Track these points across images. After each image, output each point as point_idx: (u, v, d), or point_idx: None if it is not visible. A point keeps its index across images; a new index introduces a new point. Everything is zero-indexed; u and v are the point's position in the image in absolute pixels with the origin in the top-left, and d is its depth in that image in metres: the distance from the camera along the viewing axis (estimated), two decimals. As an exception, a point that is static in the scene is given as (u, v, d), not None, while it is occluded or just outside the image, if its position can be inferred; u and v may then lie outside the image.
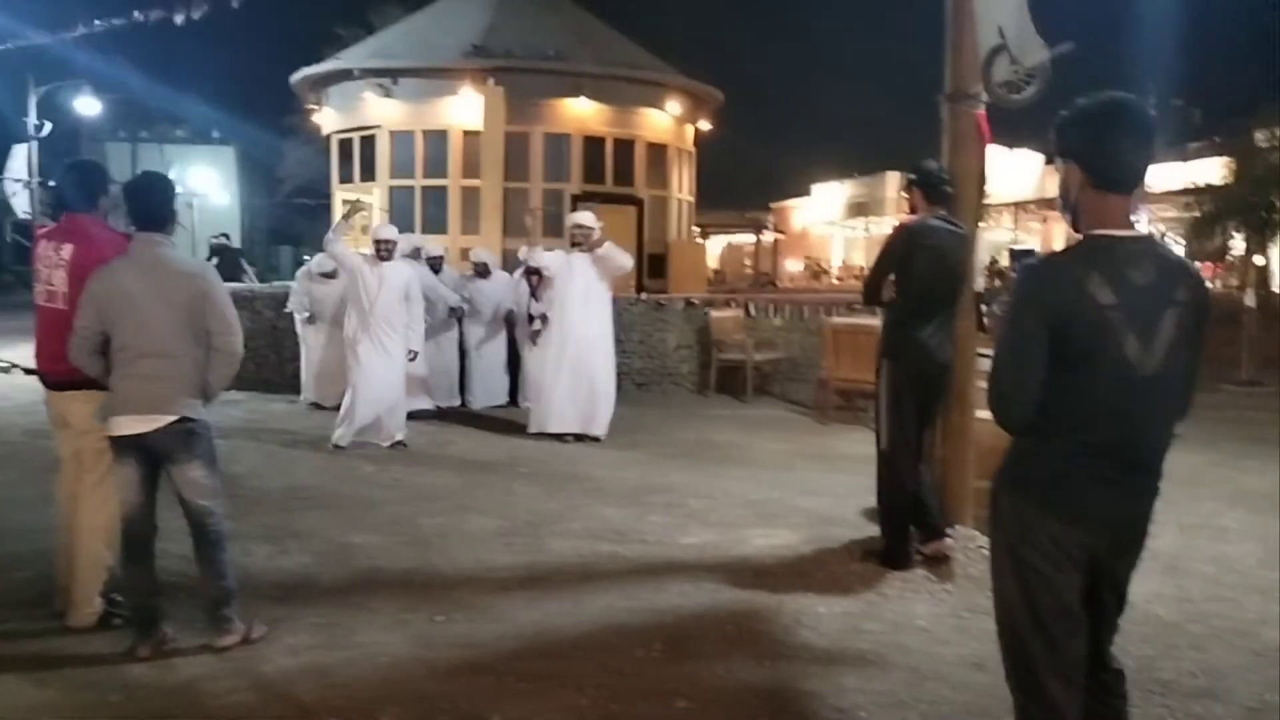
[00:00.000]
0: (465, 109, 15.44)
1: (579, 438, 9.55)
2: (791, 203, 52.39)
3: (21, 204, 21.48)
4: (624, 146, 16.58)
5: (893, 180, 40.71)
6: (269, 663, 4.37)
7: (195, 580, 4.66)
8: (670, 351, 12.86)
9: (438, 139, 15.96)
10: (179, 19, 12.94)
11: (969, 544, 5.73)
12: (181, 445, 4.36)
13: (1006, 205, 36.75)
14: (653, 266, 16.80)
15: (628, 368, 12.47)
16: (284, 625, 4.76)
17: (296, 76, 17.42)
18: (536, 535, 6.40)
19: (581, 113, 15.97)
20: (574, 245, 9.54)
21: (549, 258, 9.56)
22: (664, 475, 8.16)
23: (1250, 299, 14.96)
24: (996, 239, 35.14)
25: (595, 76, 15.92)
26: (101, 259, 4.49)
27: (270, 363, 12.56)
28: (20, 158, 21.57)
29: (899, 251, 5.67)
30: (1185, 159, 31.80)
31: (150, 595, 4.49)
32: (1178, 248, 27.58)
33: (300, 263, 12.68)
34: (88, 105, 25.14)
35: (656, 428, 10.42)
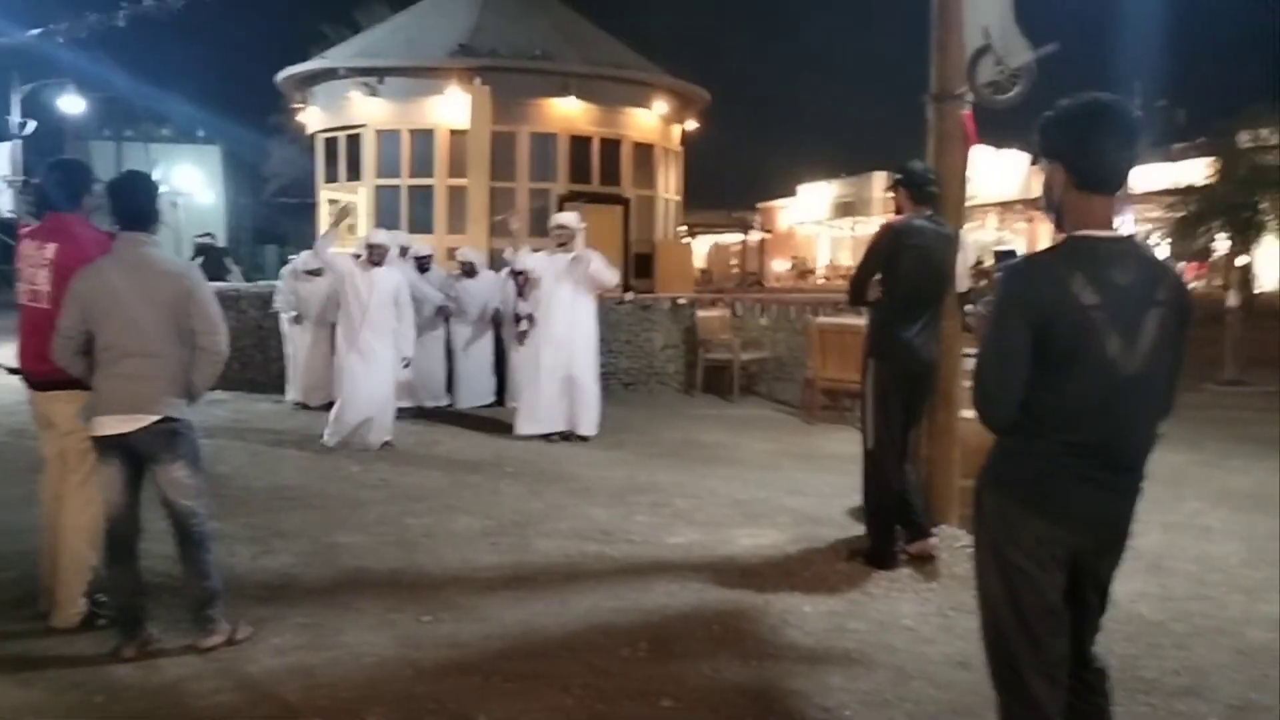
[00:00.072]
0: (451, 108, 15.41)
1: (565, 437, 9.55)
2: (778, 202, 52.49)
3: (4, 203, 21.40)
4: (610, 146, 16.57)
5: (879, 180, 40.84)
6: (254, 663, 4.35)
7: (179, 581, 4.64)
8: (657, 351, 12.85)
9: (424, 138, 15.93)
10: (160, 6, 12.85)
11: (954, 543, 5.76)
12: (165, 445, 4.35)
13: (992, 205, 36.89)
14: (639, 266, 16.80)
15: (614, 367, 12.48)
16: (269, 625, 4.75)
17: (282, 75, 17.36)
18: (523, 535, 6.40)
19: (568, 112, 15.95)
20: (559, 246, 9.53)
21: (533, 260, 9.56)
22: (650, 475, 8.17)
23: (1233, 299, 15.04)
24: (982, 239, 35.27)
25: (582, 76, 15.91)
26: (85, 258, 4.47)
27: (256, 362, 12.52)
28: (4, 156, 21.50)
29: (884, 251, 5.67)
30: (1170, 159, 31.95)
31: (134, 596, 4.47)
32: (1162, 248, 27.74)
33: (285, 262, 12.62)
34: (72, 104, 25.06)
35: (643, 427, 10.42)
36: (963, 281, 6.01)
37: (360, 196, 16.05)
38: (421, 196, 15.85)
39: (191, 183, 46.79)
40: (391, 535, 6.36)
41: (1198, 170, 29.52)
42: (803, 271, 46.21)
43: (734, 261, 48.28)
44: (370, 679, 4.22)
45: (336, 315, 9.97)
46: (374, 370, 9.06)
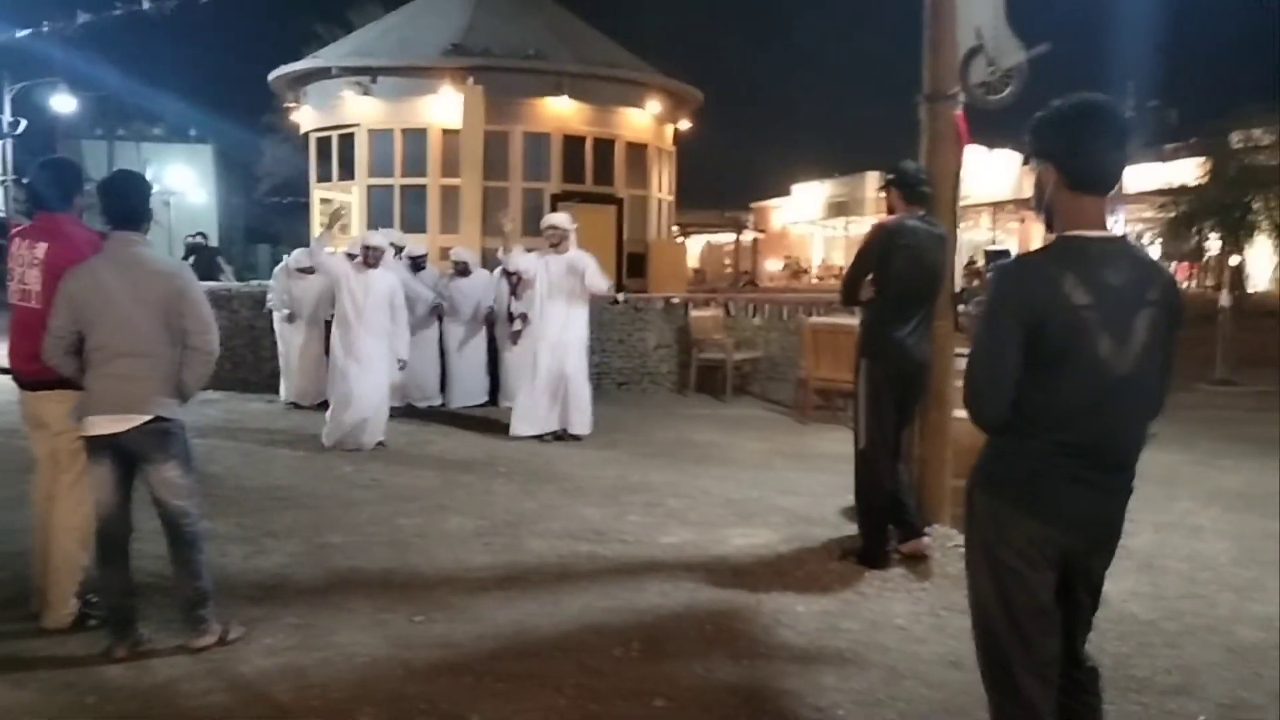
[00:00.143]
0: (444, 108, 15.39)
1: (559, 437, 9.56)
2: (771, 202, 52.50)
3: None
4: (604, 146, 16.55)
5: (872, 180, 40.82)
6: (246, 663, 4.35)
7: (171, 581, 4.63)
8: (650, 351, 12.85)
9: (417, 138, 15.89)
10: (152, 9, 12.82)
11: (946, 543, 5.77)
12: (156, 445, 4.34)
13: (985, 205, 36.94)
14: (633, 266, 16.78)
15: (607, 367, 12.49)
16: (261, 626, 4.74)
17: (275, 74, 17.32)
18: (515, 535, 6.39)
19: (561, 112, 15.93)
20: (551, 246, 9.53)
21: (526, 260, 9.56)
22: (643, 474, 8.17)
23: (1225, 299, 15.09)
24: (975, 239, 35.32)
25: (575, 75, 15.88)
26: (76, 258, 4.46)
27: (248, 362, 12.50)
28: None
29: (877, 251, 5.68)
30: (1162, 160, 32.03)
31: (126, 596, 4.47)
32: (1154, 248, 27.81)
33: (278, 261, 12.61)
34: (63, 102, 25.01)
35: (636, 427, 10.42)
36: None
37: (353, 196, 16.02)
38: (414, 196, 15.82)
39: (184, 182, 46.73)
40: (384, 535, 6.35)
41: (1190, 170, 29.60)
42: (796, 271, 46.22)
43: (727, 261, 48.27)
44: (362, 679, 4.22)
45: (330, 314, 9.97)
46: (369, 372, 9.06)
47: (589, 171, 16.38)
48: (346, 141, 16.30)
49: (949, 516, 5.92)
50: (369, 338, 9.07)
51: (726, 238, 48.29)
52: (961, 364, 2.92)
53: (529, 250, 9.82)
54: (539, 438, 9.50)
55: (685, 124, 18.57)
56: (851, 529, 6.15)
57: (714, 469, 8.45)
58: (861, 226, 39.45)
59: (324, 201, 16.83)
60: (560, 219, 9.76)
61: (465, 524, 6.62)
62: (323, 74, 16.48)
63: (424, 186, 15.77)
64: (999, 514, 2.74)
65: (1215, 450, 9.32)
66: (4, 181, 20.46)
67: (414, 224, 15.28)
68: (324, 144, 16.90)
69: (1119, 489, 2.76)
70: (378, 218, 14.90)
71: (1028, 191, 2.93)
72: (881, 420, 5.69)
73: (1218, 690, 4.22)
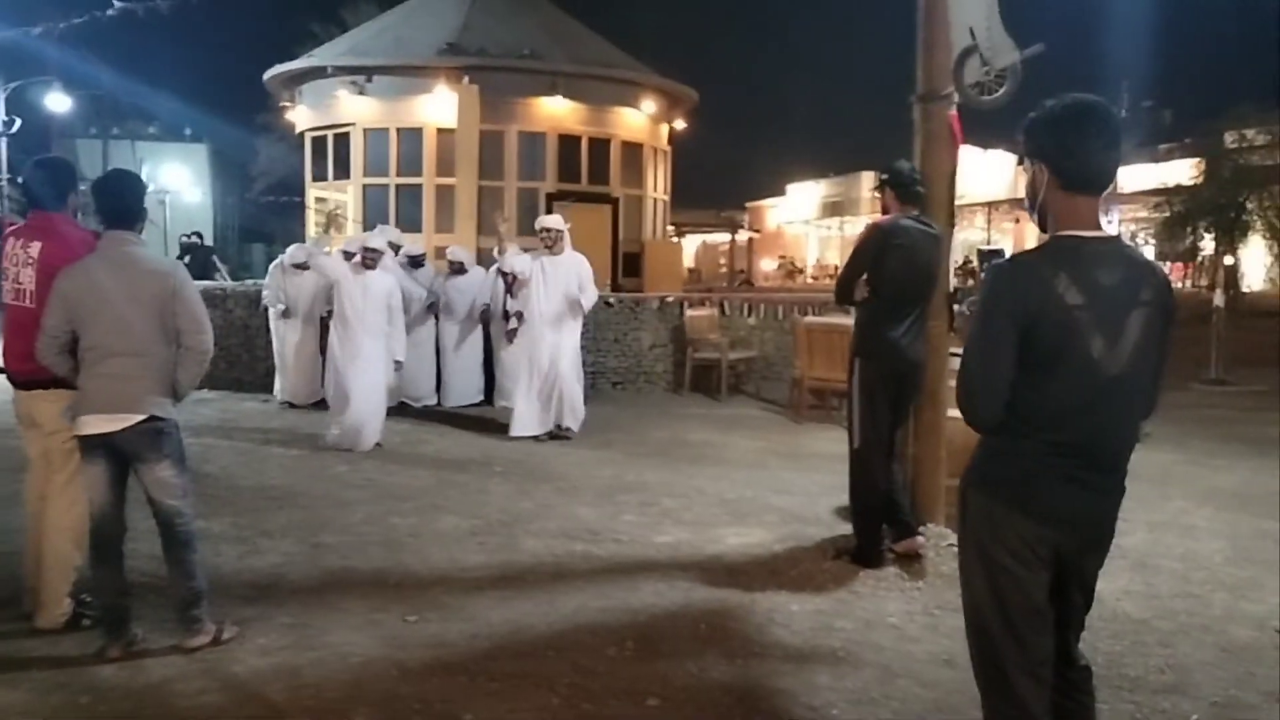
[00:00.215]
0: (440, 107, 15.38)
1: (553, 435, 9.57)
2: (767, 202, 52.61)
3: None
4: (599, 145, 16.55)
5: (867, 180, 40.97)
6: (240, 663, 4.34)
7: (165, 581, 4.62)
8: (645, 350, 12.86)
9: (412, 137, 15.89)
10: (143, 9, 12.79)
11: (940, 542, 5.77)
12: (150, 445, 4.33)
13: (979, 205, 37.01)
14: (628, 265, 16.80)
15: (602, 366, 12.49)
16: (255, 625, 4.73)
17: (270, 74, 17.30)
18: (510, 534, 6.39)
19: (556, 111, 15.94)
20: (546, 248, 9.54)
21: (520, 261, 9.58)
22: (638, 474, 8.17)
23: (1219, 299, 15.12)
24: (969, 239, 35.39)
25: (570, 75, 15.89)
26: (70, 257, 4.45)
27: (243, 361, 12.49)
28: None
29: (871, 251, 5.68)
30: (1156, 160, 32.11)
31: (119, 596, 4.46)
32: (1148, 248, 27.86)
33: (273, 260, 12.61)
34: (58, 101, 24.92)
35: (630, 426, 10.42)
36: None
37: (348, 195, 16.02)
38: (409, 195, 15.81)
39: (178, 181, 46.69)
40: (378, 535, 6.34)
41: (1184, 170, 29.69)
42: (791, 271, 46.28)
43: (722, 261, 48.33)
44: (356, 679, 4.21)
45: (325, 311, 9.96)
46: (368, 373, 9.06)
47: (584, 171, 16.39)
48: (342, 141, 16.30)
49: (943, 516, 5.92)
50: (367, 338, 9.06)
51: (722, 237, 48.36)
52: (956, 364, 2.92)
53: (525, 250, 9.83)
54: (535, 438, 9.50)
55: (680, 124, 18.60)
56: (845, 528, 6.16)
57: (708, 468, 8.46)
58: (856, 226, 39.55)
59: (319, 200, 16.83)
60: (554, 220, 9.78)
61: (460, 523, 6.61)
62: (318, 73, 16.47)
63: (419, 186, 15.77)
64: (993, 513, 2.75)
65: (1209, 450, 9.34)
66: (-2, 181, 20.45)
67: (409, 223, 15.26)
68: (319, 143, 16.89)
69: (1112, 488, 2.77)
70: (373, 217, 14.89)
71: (1022, 192, 2.93)
72: (876, 420, 5.69)
73: (1211, 689, 4.22)
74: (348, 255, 9.69)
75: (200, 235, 19.54)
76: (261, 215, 46.72)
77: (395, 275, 10.15)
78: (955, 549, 3.01)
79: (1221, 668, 4.45)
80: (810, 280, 42.03)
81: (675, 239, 25.50)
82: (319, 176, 16.94)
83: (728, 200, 47.64)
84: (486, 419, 10.57)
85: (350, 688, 4.12)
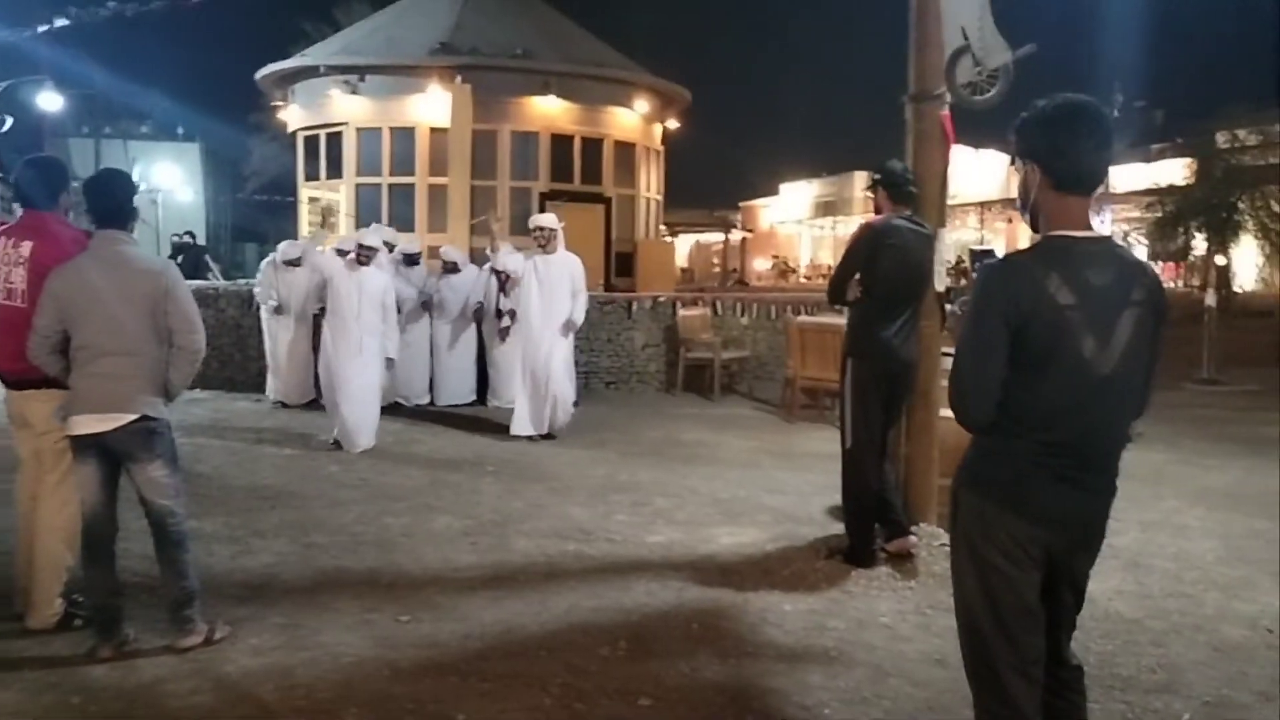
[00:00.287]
0: (432, 107, 15.36)
1: (546, 435, 9.57)
2: (760, 201, 52.59)
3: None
4: (592, 145, 16.55)
5: (860, 180, 40.85)
6: (231, 663, 4.34)
7: (157, 581, 4.62)
8: (637, 350, 12.86)
9: (405, 136, 15.87)
10: (133, 11, 12.77)
11: (932, 541, 5.78)
12: (142, 444, 4.33)
13: (972, 205, 37.05)
14: (620, 265, 16.79)
15: (595, 366, 12.49)
16: (247, 625, 4.73)
17: (262, 73, 17.27)
18: (502, 534, 6.39)
19: (549, 111, 15.93)
20: (539, 247, 9.54)
21: (513, 261, 9.58)
22: (630, 474, 8.17)
23: (1211, 298, 15.17)
24: (962, 239, 35.42)
25: (563, 75, 15.88)
26: (62, 256, 4.44)
27: (235, 361, 12.47)
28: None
29: (864, 251, 5.69)
30: (1148, 160, 32.17)
31: (111, 596, 4.45)
32: (1140, 248, 27.91)
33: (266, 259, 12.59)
34: (50, 100, 24.81)
35: (623, 426, 10.42)
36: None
37: (341, 195, 16.00)
38: (402, 195, 15.79)
39: (171, 180, 46.49)
40: (371, 535, 6.34)
41: (1176, 170, 29.75)
42: (784, 270, 46.26)
43: (715, 261, 48.31)
44: (348, 679, 4.21)
45: (317, 308, 9.93)
46: (363, 372, 9.04)
47: (577, 171, 16.38)
48: (334, 140, 16.27)
49: (935, 515, 5.93)
50: (363, 336, 9.04)
51: (715, 237, 48.34)
52: (948, 364, 2.92)
53: (518, 250, 9.82)
54: (529, 438, 9.50)
55: (673, 123, 18.60)
56: (838, 528, 6.16)
57: (701, 468, 8.46)
58: (849, 226, 39.53)
59: (312, 200, 16.80)
60: (548, 219, 9.76)
61: (452, 523, 6.61)
62: (310, 73, 16.45)
63: (412, 185, 15.75)
64: (985, 513, 2.75)
65: (1201, 449, 9.37)
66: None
67: (402, 223, 15.23)
68: (312, 143, 16.87)
69: (1104, 488, 2.77)
70: (366, 217, 14.86)
71: (1014, 192, 2.93)
72: (868, 419, 5.70)
73: (1203, 688, 4.23)
74: (342, 253, 9.67)
75: (192, 234, 19.53)
76: (254, 215, 46.60)
77: (388, 274, 10.14)
78: (947, 549, 3.02)
79: (1214, 667, 4.46)
80: (803, 280, 41.98)
81: (668, 239, 25.48)
82: (311, 176, 16.92)
83: (721, 200, 47.67)
84: (480, 418, 10.56)
85: (342, 688, 4.12)
